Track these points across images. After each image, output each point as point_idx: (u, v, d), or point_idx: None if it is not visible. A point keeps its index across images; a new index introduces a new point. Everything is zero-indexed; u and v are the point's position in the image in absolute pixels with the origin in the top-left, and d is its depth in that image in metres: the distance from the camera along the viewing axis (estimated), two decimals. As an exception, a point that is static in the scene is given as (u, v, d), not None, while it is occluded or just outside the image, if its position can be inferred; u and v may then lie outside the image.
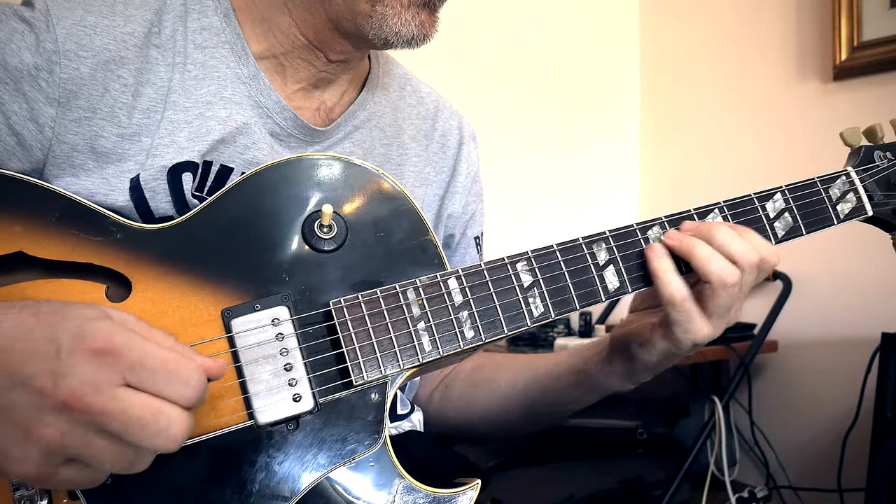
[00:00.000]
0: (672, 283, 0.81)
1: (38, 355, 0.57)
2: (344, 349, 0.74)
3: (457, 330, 0.78)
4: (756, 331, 2.02)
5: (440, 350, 0.77)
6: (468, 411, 1.08)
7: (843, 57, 1.98)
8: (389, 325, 0.76)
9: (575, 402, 1.01)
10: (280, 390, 0.72)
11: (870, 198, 0.93)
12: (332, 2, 0.86)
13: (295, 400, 0.72)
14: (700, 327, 0.82)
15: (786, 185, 0.90)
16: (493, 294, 0.80)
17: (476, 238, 1.12)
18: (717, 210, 0.87)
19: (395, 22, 0.85)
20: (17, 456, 0.57)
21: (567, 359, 1.00)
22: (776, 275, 2.08)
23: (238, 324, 0.73)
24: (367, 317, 0.76)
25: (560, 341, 1.94)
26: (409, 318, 0.77)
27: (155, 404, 0.58)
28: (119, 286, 0.72)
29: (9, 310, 0.60)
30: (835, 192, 0.92)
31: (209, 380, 0.62)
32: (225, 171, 0.87)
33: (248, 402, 0.72)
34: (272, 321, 0.74)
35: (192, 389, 0.60)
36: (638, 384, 0.94)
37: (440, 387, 1.12)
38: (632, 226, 0.85)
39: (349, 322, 0.75)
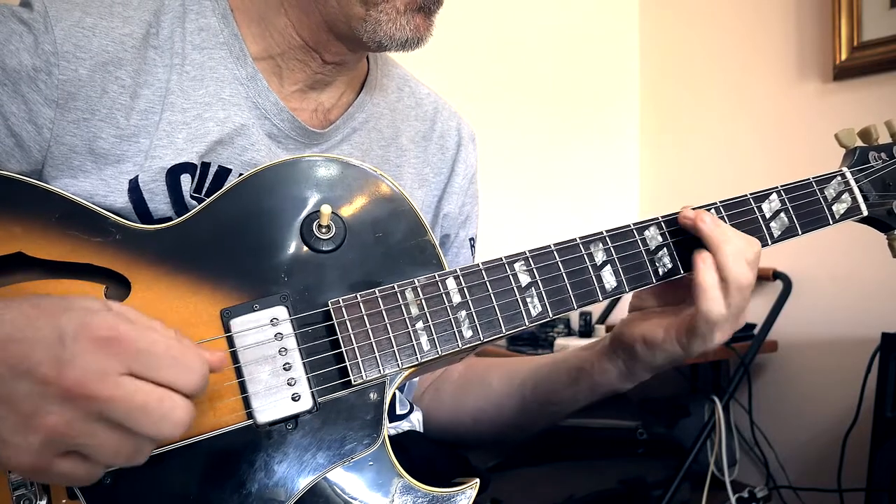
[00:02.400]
0: (716, 300, 0.80)
1: (42, 344, 0.57)
2: (343, 349, 0.75)
3: (455, 329, 0.78)
4: (756, 331, 2.02)
5: (438, 350, 0.78)
6: (459, 412, 1.07)
7: (843, 57, 1.98)
8: (388, 324, 0.77)
9: (570, 402, 0.99)
10: (279, 390, 0.73)
11: (865, 198, 0.93)
12: (326, 4, 0.86)
13: (294, 399, 0.73)
14: (719, 338, 0.83)
15: (781, 186, 0.90)
16: (491, 294, 0.80)
17: (471, 240, 1.12)
18: (713, 210, 0.87)
19: (389, 27, 0.85)
20: (16, 444, 0.57)
21: (564, 357, 0.99)
22: (776, 275, 2.08)
23: (237, 324, 0.73)
24: (365, 317, 0.76)
25: (560, 341, 1.94)
26: (407, 318, 0.77)
27: (158, 391, 0.58)
28: (118, 287, 0.73)
29: (10, 303, 0.60)
30: (830, 192, 0.92)
31: (213, 371, 0.63)
32: (223, 173, 0.87)
33: (247, 402, 0.72)
34: (271, 321, 0.74)
35: (196, 377, 0.60)
36: (636, 383, 0.93)
37: (430, 389, 1.11)
38: (629, 226, 0.85)
39: (348, 322, 0.76)
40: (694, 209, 0.87)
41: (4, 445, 0.57)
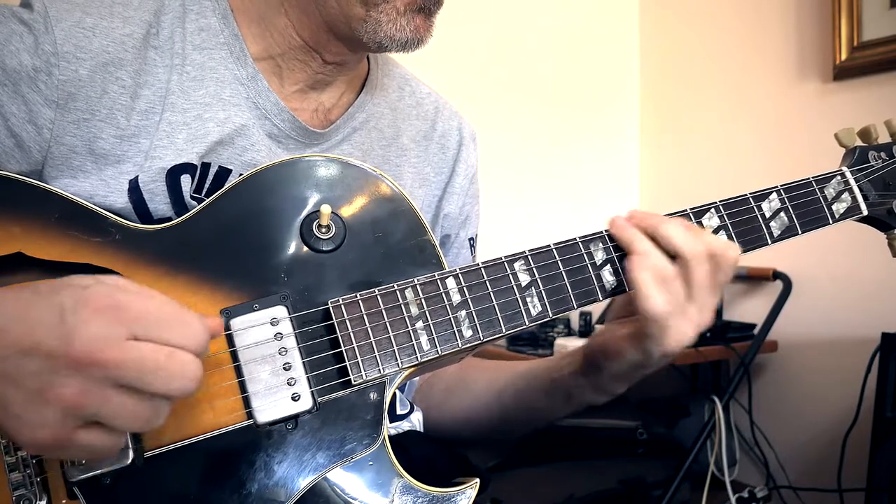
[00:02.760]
0: (653, 297, 0.79)
1: (43, 322, 0.58)
2: (342, 348, 0.75)
3: (455, 329, 0.78)
4: (756, 331, 2.02)
5: (438, 349, 0.78)
6: (447, 413, 1.08)
7: (843, 57, 1.98)
8: (388, 324, 0.77)
9: (549, 411, 1.00)
10: (279, 390, 0.73)
11: (864, 197, 0.93)
12: (326, 4, 0.86)
13: (294, 399, 0.73)
14: (674, 338, 0.80)
15: (781, 185, 0.90)
16: (491, 293, 0.80)
17: (470, 240, 1.12)
18: (713, 210, 0.87)
19: (389, 27, 0.85)
20: (33, 421, 0.57)
21: (545, 366, 1.00)
22: (776, 275, 2.08)
23: (237, 323, 0.73)
24: (365, 316, 0.76)
25: (560, 341, 1.94)
26: (407, 318, 0.77)
27: (166, 350, 0.59)
28: (118, 287, 0.73)
29: (9, 292, 0.61)
30: (830, 191, 0.92)
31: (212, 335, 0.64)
32: (223, 173, 0.87)
33: (246, 402, 0.72)
34: (271, 321, 0.74)
35: (198, 334, 0.61)
36: (613, 395, 0.93)
37: (423, 387, 1.12)
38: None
39: (348, 321, 0.76)
40: (693, 209, 0.87)
41: (21, 424, 0.58)
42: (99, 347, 0.57)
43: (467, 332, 0.79)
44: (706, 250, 0.81)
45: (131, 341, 0.58)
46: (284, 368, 0.73)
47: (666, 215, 0.86)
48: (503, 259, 0.81)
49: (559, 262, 0.83)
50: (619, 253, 0.84)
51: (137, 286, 0.62)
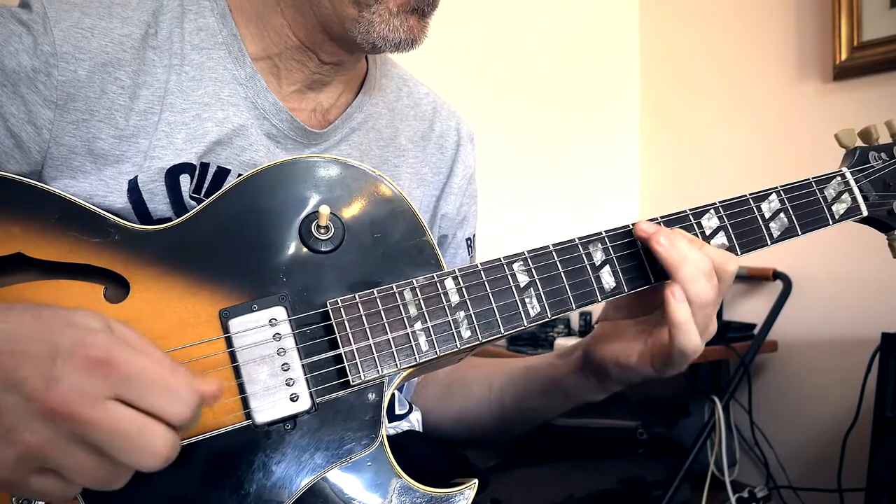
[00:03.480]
0: (690, 332, 0.79)
1: (35, 358, 0.56)
2: (341, 349, 0.75)
3: (453, 330, 0.78)
4: (756, 331, 2.02)
5: (437, 350, 0.78)
6: (443, 413, 1.08)
7: (843, 57, 1.98)
8: (386, 325, 0.77)
9: (546, 409, 1.01)
10: (277, 390, 0.73)
11: (865, 198, 0.93)
12: (320, 4, 0.86)
13: (292, 400, 0.73)
14: (690, 356, 0.81)
15: (781, 186, 0.90)
16: (490, 294, 0.80)
17: (468, 240, 1.12)
18: (712, 210, 0.87)
19: (382, 28, 0.85)
20: None
21: (539, 367, 1.00)
22: (776, 275, 2.08)
23: (236, 324, 0.73)
24: (364, 317, 0.76)
25: (560, 341, 1.94)
26: (406, 319, 0.77)
27: (141, 420, 0.57)
28: (117, 287, 0.73)
29: (9, 311, 0.60)
30: (830, 192, 0.92)
31: (206, 403, 0.61)
32: (222, 173, 0.87)
33: (245, 402, 0.72)
34: (269, 321, 0.74)
35: (183, 407, 0.59)
36: (609, 394, 0.94)
37: (417, 388, 1.12)
38: (627, 226, 0.85)
39: (346, 322, 0.75)
40: (693, 210, 0.87)
41: None
42: (76, 401, 0.55)
43: (466, 333, 0.79)
44: (711, 264, 0.81)
45: (112, 402, 0.56)
46: (283, 369, 0.73)
47: (665, 216, 0.86)
48: (502, 260, 0.81)
49: (558, 262, 0.83)
50: (619, 254, 0.84)
51: (142, 341, 0.61)
